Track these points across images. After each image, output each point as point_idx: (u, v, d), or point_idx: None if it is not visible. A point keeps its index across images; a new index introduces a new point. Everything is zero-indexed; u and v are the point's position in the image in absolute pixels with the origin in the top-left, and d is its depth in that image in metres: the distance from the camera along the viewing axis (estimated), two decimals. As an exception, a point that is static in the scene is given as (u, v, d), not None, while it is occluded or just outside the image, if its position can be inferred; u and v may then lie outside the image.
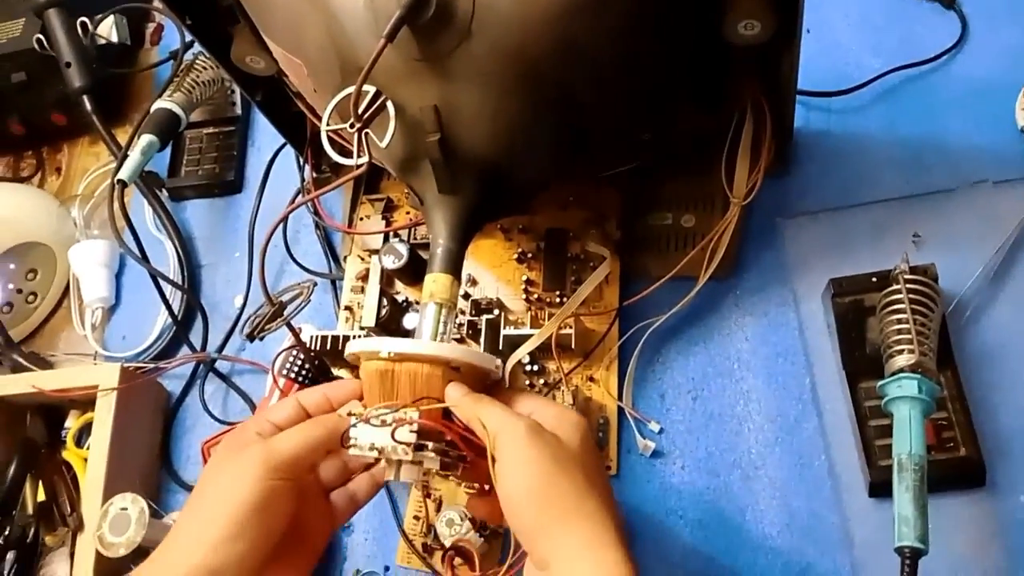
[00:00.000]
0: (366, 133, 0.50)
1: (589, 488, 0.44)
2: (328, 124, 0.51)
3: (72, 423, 0.76)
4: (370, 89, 0.50)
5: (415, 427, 0.46)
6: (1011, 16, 0.74)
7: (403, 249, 0.68)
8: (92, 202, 0.89)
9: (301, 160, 0.80)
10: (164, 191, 0.87)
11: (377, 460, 0.48)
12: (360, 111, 0.50)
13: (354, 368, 0.52)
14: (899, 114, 0.73)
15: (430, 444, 0.46)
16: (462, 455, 0.47)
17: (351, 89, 0.50)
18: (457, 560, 0.58)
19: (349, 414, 0.47)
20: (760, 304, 0.69)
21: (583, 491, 0.44)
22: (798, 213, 0.71)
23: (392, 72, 0.50)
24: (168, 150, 0.86)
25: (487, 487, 0.50)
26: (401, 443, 0.45)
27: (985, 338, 0.63)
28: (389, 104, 0.50)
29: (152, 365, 0.77)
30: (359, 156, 0.50)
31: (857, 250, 0.68)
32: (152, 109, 0.80)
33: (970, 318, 0.64)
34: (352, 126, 0.50)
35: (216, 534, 0.43)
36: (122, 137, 0.92)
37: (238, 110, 0.89)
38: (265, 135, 0.89)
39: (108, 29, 0.90)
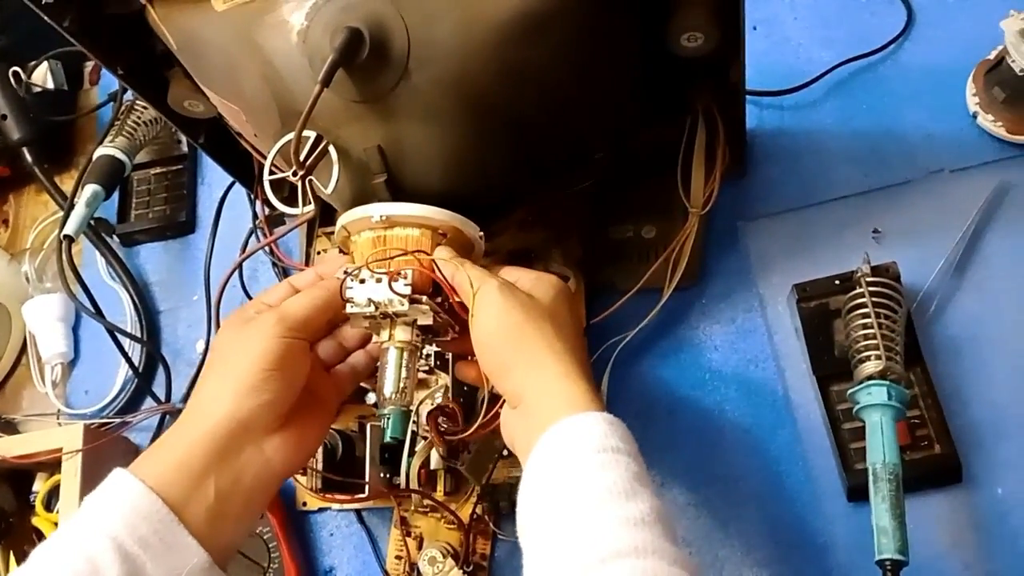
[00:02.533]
0: (310, 180, 0.49)
1: (558, 334, 0.47)
2: (270, 173, 0.50)
3: (40, 486, 0.74)
4: (311, 134, 0.49)
5: (409, 280, 0.48)
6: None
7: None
8: (43, 254, 0.87)
9: (252, 196, 0.78)
10: (115, 237, 0.85)
11: (372, 325, 0.50)
12: (302, 158, 0.48)
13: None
14: (852, 107, 0.72)
15: (424, 297, 0.48)
16: (452, 324, 0.50)
17: (291, 136, 0.48)
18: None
19: (345, 272, 0.49)
20: (727, 311, 0.68)
21: (552, 336, 0.47)
22: (758, 215, 0.70)
23: (332, 115, 0.49)
24: (116, 195, 0.84)
25: (472, 357, 0.51)
26: (398, 294, 0.47)
27: (952, 330, 0.63)
28: (331, 149, 0.49)
29: (116, 420, 0.75)
30: (304, 204, 0.49)
31: (820, 249, 0.68)
32: (94, 157, 0.78)
33: (935, 311, 0.64)
34: (295, 174, 0.49)
35: (241, 387, 0.45)
36: (69, 183, 0.90)
37: (185, 148, 0.87)
38: (215, 171, 0.87)
39: (43, 76, 0.87)
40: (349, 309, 0.49)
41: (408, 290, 0.48)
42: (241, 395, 0.45)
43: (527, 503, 0.43)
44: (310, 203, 0.49)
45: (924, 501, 0.58)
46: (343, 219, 0.51)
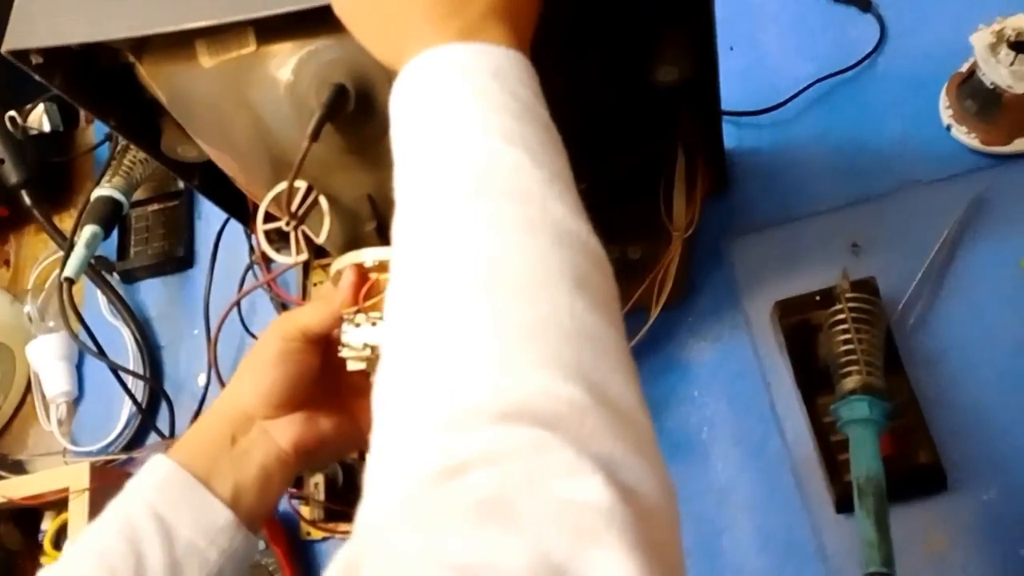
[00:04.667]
0: (302, 228, 0.51)
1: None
2: (263, 223, 0.51)
3: (48, 525, 0.75)
4: (302, 185, 0.50)
5: None
6: (926, 11, 0.76)
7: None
8: (44, 294, 0.88)
9: (248, 231, 0.80)
10: (115, 274, 0.87)
11: (368, 365, 0.51)
12: (294, 209, 0.50)
13: None
14: (829, 123, 0.74)
15: None
16: None
17: (282, 186, 0.50)
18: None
19: (341, 318, 0.51)
20: (714, 328, 0.70)
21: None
22: (741, 232, 0.72)
23: (322, 165, 0.50)
24: (115, 232, 0.85)
25: None
26: None
27: (932, 340, 0.65)
28: (322, 199, 0.51)
29: (122, 457, 0.77)
30: (297, 253, 0.51)
31: (802, 264, 0.69)
32: (92, 198, 0.80)
33: (916, 322, 0.65)
34: (287, 223, 0.50)
35: (245, 379, 0.52)
36: (68, 221, 0.91)
37: (181, 184, 0.89)
38: (211, 206, 0.88)
39: (39, 118, 0.89)
40: (344, 353, 0.50)
41: None
42: (244, 387, 0.52)
43: (395, 149, 0.38)
44: (303, 251, 0.50)
45: (910, 510, 0.59)
46: (337, 263, 0.53)
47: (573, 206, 0.34)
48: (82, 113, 0.97)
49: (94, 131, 0.97)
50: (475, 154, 0.34)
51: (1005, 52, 0.64)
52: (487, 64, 0.37)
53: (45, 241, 0.94)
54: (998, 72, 0.64)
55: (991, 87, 0.65)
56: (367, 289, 0.51)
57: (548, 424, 0.27)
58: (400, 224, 0.35)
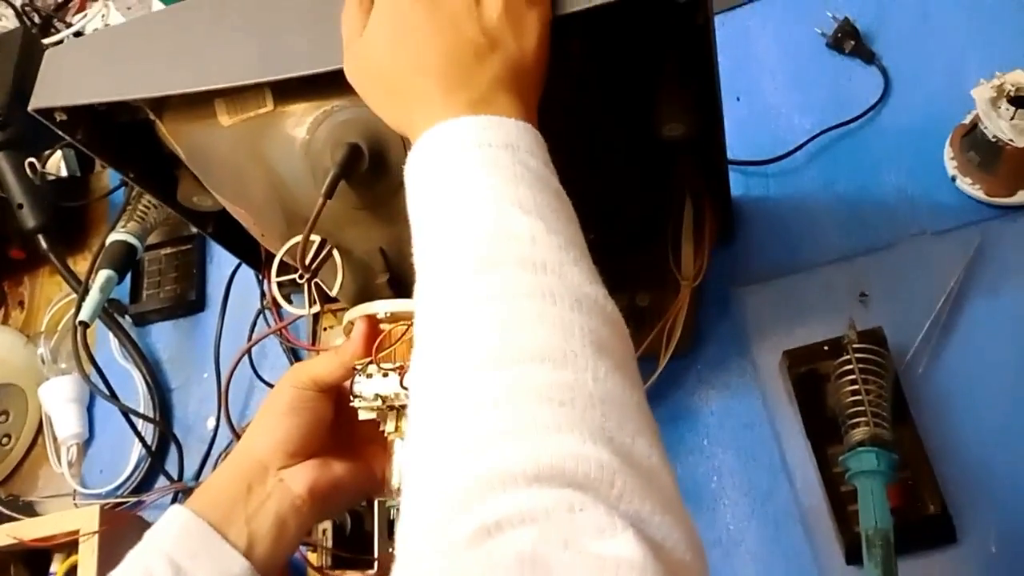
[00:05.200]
0: (316, 281, 0.52)
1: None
2: (277, 275, 0.52)
3: (57, 567, 0.76)
4: (316, 239, 0.52)
5: None
6: (929, 64, 0.77)
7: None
8: (57, 336, 0.90)
9: (260, 277, 0.81)
10: (128, 317, 0.88)
11: (379, 415, 0.52)
12: (308, 262, 0.51)
13: None
14: (835, 173, 0.75)
15: None
16: None
17: (297, 239, 0.51)
18: None
19: (352, 369, 0.52)
20: (722, 376, 0.71)
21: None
22: (749, 281, 0.73)
23: (336, 220, 0.52)
24: (128, 276, 0.86)
25: None
26: (404, 388, 0.50)
27: (939, 389, 0.65)
28: (335, 253, 0.52)
29: (131, 500, 0.77)
30: (311, 305, 0.51)
31: (809, 313, 0.70)
32: (107, 242, 0.81)
33: (923, 372, 0.66)
34: (301, 276, 0.51)
35: (260, 429, 0.53)
36: (82, 265, 0.93)
37: (194, 228, 0.90)
38: (222, 249, 0.90)
39: (57, 164, 0.91)
40: (356, 404, 0.51)
41: None
42: (259, 436, 0.53)
43: (412, 220, 0.40)
44: (316, 303, 0.51)
45: (919, 562, 0.59)
46: (350, 314, 0.54)
47: (588, 271, 0.36)
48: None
49: (109, 175, 0.98)
50: (492, 225, 0.35)
51: (1005, 107, 0.65)
52: (498, 136, 0.38)
53: (59, 283, 0.96)
54: (999, 126, 0.65)
55: (993, 140, 0.66)
56: (380, 341, 0.52)
57: (580, 485, 0.28)
58: (422, 295, 0.36)
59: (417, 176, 0.39)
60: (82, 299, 0.78)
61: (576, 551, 0.26)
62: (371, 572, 0.64)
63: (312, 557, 0.65)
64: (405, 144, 0.49)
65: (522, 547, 0.27)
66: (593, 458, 0.29)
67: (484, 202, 0.36)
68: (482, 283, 0.34)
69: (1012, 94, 0.65)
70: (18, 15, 1.04)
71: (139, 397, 0.83)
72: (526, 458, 0.29)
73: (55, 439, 0.85)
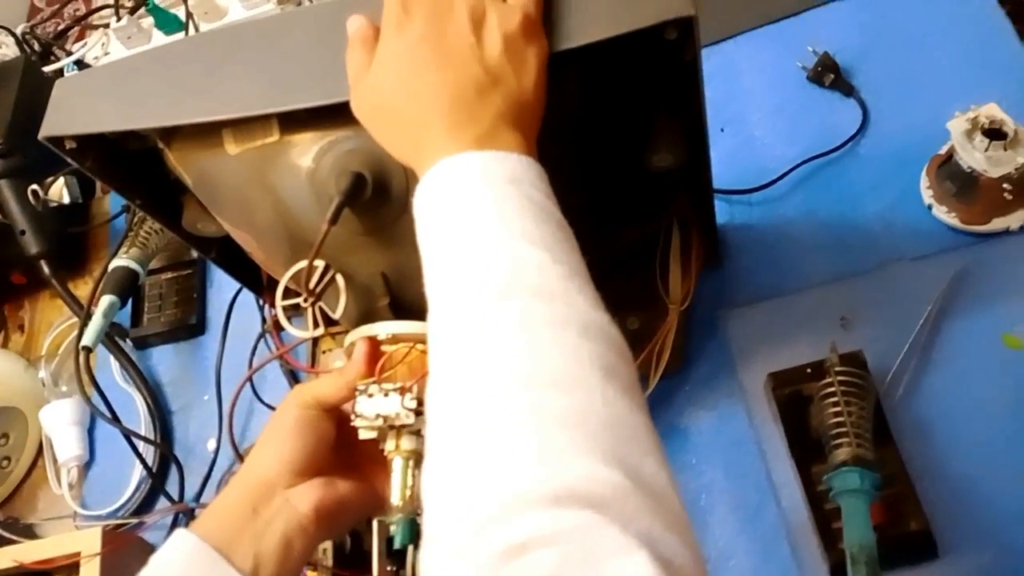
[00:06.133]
0: (319, 305, 0.54)
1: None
2: (282, 300, 0.54)
3: (58, 589, 0.77)
4: (320, 264, 0.54)
5: (415, 394, 0.51)
6: (905, 97, 0.80)
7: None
8: (58, 359, 0.91)
9: (260, 301, 0.83)
10: (129, 341, 0.89)
11: (379, 434, 0.53)
12: (311, 286, 0.53)
13: None
14: (817, 201, 0.78)
15: None
16: None
17: (301, 265, 0.53)
18: None
19: (355, 389, 0.53)
20: (710, 397, 0.73)
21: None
22: (736, 305, 0.75)
23: (340, 245, 0.54)
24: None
25: None
26: (406, 408, 0.51)
27: (919, 410, 0.67)
28: (339, 277, 0.54)
29: (133, 521, 0.78)
30: (315, 328, 0.53)
31: (793, 336, 0.72)
32: (110, 268, 0.82)
33: (903, 393, 0.68)
34: (305, 300, 0.53)
35: (265, 450, 0.54)
36: (83, 289, 0.94)
37: (195, 253, 0.92)
38: (223, 274, 0.92)
39: (59, 191, 0.93)
40: (356, 423, 0.52)
41: (414, 404, 0.51)
42: (264, 457, 0.54)
43: (424, 250, 0.42)
44: (319, 327, 0.53)
45: (903, 578, 0.61)
46: (351, 336, 0.56)
47: (593, 298, 0.38)
48: (99, 184, 1.01)
49: (110, 201, 1.00)
50: (500, 256, 0.38)
51: (980, 139, 0.68)
52: (503, 171, 0.41)
53: (60, 307, 0.97)
54: (974, 157, 0.68)
55: (968, 170, 0.69)
56: (382, 362, 0.53)
57: (596, 506, 0.30)
58: (435, 325, 0.38)
59: (427, 209, 0.42)
60: (84, 324, 0.79)
61: (595, 571, 0.28)
62: (370, 590, 0.65)
63: (312, 575, 0.66)
64: (408, 174, 0.52)
65: (546, 568, 0.28)
66: (607, 480, 0.31)
67: (493, 236, 0.38)
68: (494, 313, 0.36)
69: (986, 127, 0.68)
70: (18, 43, 1.06)
71: (140, 419, 0.84)
72: (544, 480, 0.31)
73: (55, 461, 0.86)
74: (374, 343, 0.54)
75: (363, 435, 0.54)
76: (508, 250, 0.38)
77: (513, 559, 0.29)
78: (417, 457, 0.54)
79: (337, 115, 0.49)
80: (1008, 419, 0.65)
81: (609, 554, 0.29)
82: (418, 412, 0.52)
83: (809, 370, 0.66)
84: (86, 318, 0.80)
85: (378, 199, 0.51)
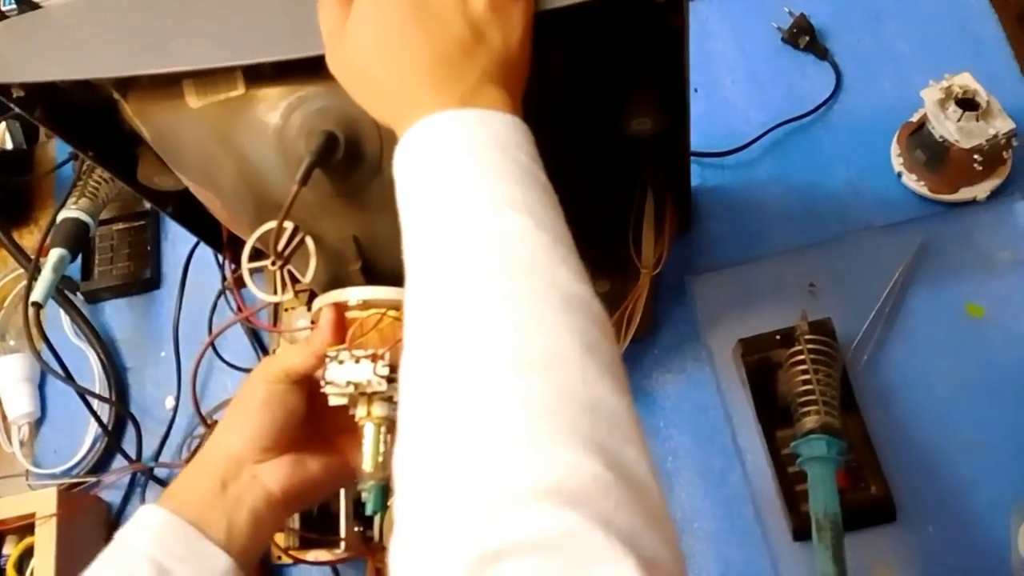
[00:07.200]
0: (288, 268, 0.52)
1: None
2: (248, 262, 0.52)
3: (11, 550, 0.74)
4: (288, 226, 0.51)
5: (387, 361, 0.50)
6: (881, 63, 0.80)
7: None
8: (3, 313, 0.87)
9: (220, 257, 0.80)
10: (79, 294, 0.86)
11: (350, 401, 0.52)
12: (280, 249, 0.51)
13: None
14: (787, 166, 0.78)
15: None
16: None
17: (269, 226, 0.51)
18: None
19: (324, 357, 0.52)
20: (678, 361, 0.73)
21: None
22: (704, 270, 0.75)
23: (309, 208, 0.51)
24: (79, 252, 0.84)
25: None
26: (378, 375, 0.50)
27: (883, 378, 0.68)
28: (308, 240, 0.52)
29: (89, 480, 0.76)
30: (283, 292, 0.52)
31: (761, 302, 0.73)
32: (58, 220, 0.79)
33: (868, 360, 0.69)
34: (273, 263, 0.51)
35: (232, 425, 0.53)
36: (28, 239, 0.90)
37: (147, 204, 0.88)
38: (178, 227, 0.88)
39: (1, 136, 0.88)
40: (327, 390, 0.51)
41: (387, 371, 0.50)
42: (232, 432, 0.52)
43: (403, 212, 0.40)
44: (288, 291, 0.51)
45: (863, 539, 0.63)
46: (320, 301, 0.54)
47: (576, 268, 0.36)
48: (42, 128, 0.96)
49: (55, 147, 0.96)
50: (483, 224, 0.36)
51: (953, 108, 0.68)
52: (488, 132, 0.39)
53: (4, 259, 0.93)
54: (946, 127, 0.68)
55: (940, 140, 0.69)
56: (354, 329, 0.52)
57: (575, 501, 0.28)
58: (412, 293, 0.37)
59: (408, 170, 0.40)
60: (32, 278, 0.76)
61: None
62: (338, 551, 0.65)
63: (279, 538, 0.65)
64: (382, 134, 0.50)
65: None
66: (588, 471, 0.29)
67: (475, 201, 0.37)
68: (475, 283, 0.35)
69: (960, 96, 0.68)
70: (-44, -24, 1.00)
71: (94, 376, 0.82)
72: (521, 473, 0.29)
73: (5, 418, 0.83)
74: (340, 310, 0.53)
75: (333, 401, 0.53)
76: (491, 217, 0.36)
77: (488, 566, 0.27)
78: (389, 423, 0.53)
79: (307, 69, 0.47)
80: (968, 387, 0.67)
81: (590, 561, 0.27)
82: (390, 379, 0.51)
83: (778, 337, 0.67)
84: (35, 272, 0.76)
85: (350, 160, 0.49)
